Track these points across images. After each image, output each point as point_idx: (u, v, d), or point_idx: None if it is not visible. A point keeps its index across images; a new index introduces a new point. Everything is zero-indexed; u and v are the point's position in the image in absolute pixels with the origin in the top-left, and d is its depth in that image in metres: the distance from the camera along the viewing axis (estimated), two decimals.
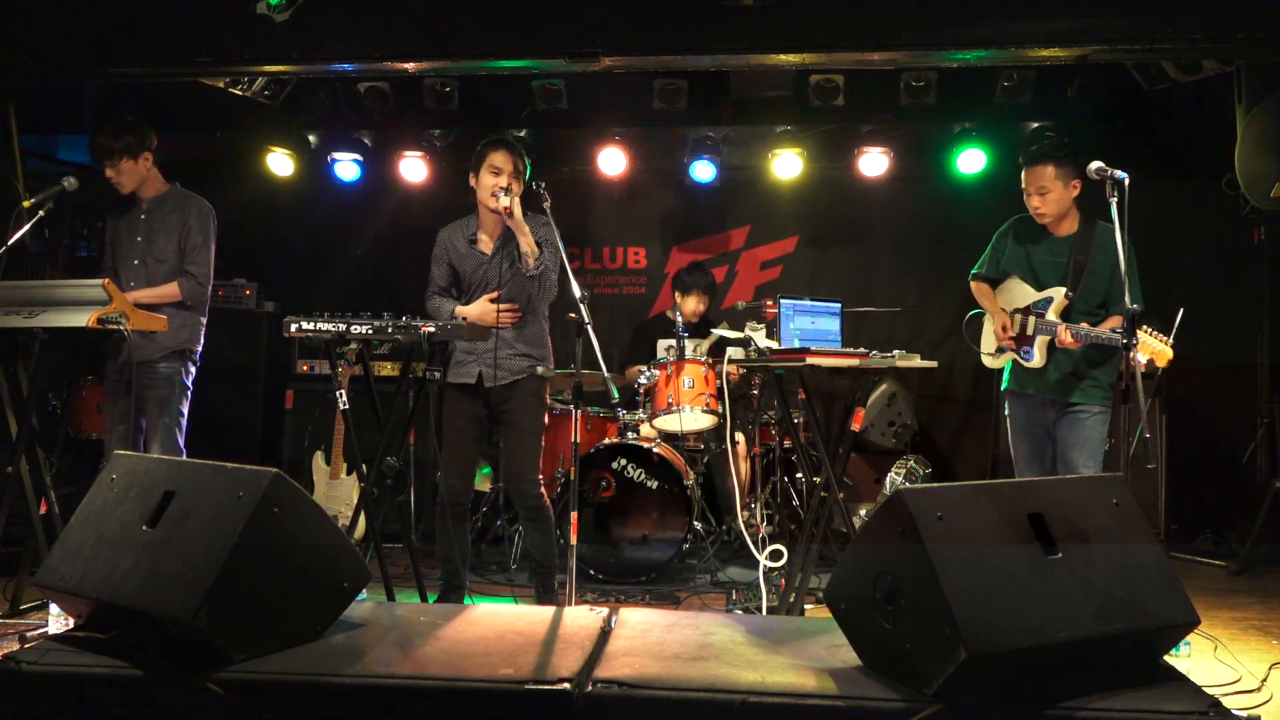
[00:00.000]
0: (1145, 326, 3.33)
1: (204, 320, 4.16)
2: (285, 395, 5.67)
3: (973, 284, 3.94)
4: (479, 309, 3.71)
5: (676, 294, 5.49)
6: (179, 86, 4.95)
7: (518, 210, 3.56)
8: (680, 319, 4.99)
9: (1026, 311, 3.70)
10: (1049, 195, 3.62)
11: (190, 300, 4.06)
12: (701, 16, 3.89)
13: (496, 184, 3.61)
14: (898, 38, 3.91)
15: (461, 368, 3.74)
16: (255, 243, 6.26)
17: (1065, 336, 3.48)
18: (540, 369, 3.74)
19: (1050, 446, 3.70)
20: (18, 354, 3.94)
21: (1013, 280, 3.81)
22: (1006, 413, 3.84)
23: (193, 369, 4.11)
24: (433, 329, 3.36)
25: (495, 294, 3.70)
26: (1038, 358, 3.64)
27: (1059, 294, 3.62)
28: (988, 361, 3.92)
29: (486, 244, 3.80)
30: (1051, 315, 3.62)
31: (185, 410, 4.06)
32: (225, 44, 4.10)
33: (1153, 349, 3.35)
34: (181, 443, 4.02)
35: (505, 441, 3.84)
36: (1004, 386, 3.83)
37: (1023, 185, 3.69)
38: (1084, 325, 3.48)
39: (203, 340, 4.16)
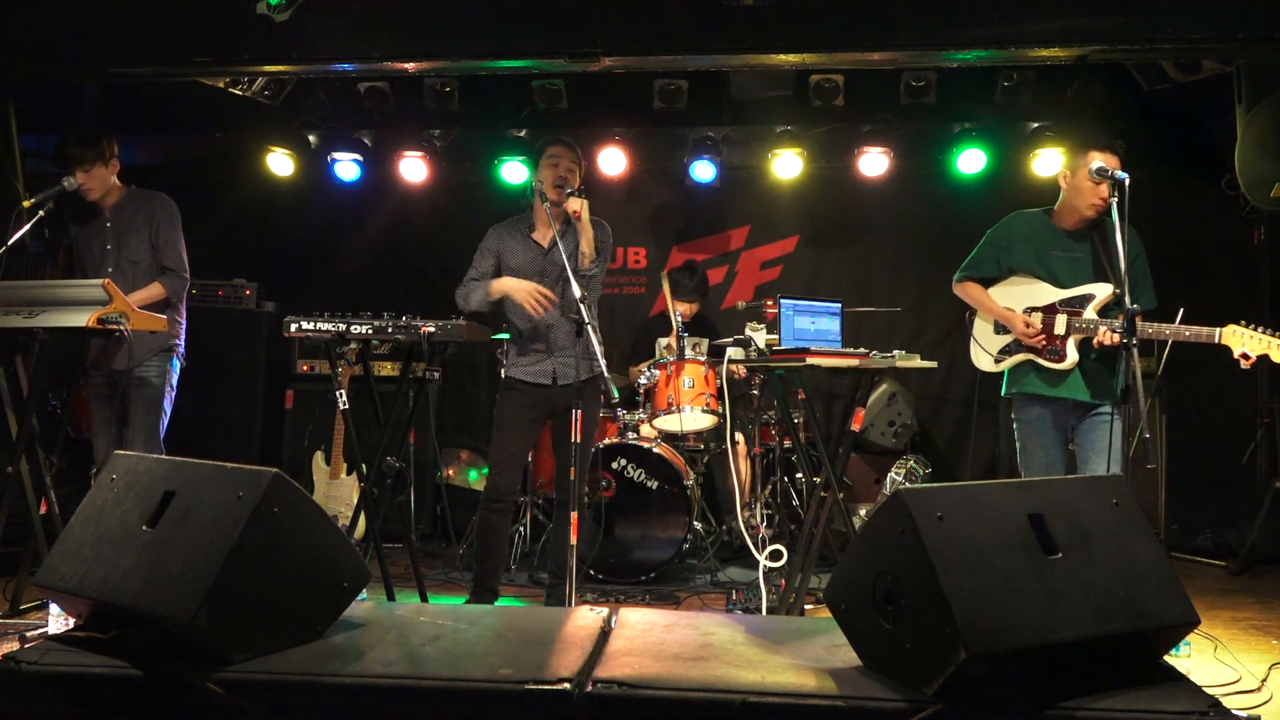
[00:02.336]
0: (1244, 321, 3.23)
1: (183, 314, 4.19)
2: (285, 395, 5.67)
3: (964, 286, 3.77)
4: (516, 284, 3.73)
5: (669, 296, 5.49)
6: (179, 86, 4.96)
7: (585, 213, 3.66)
8: (680, 319, 4.99)
9: (1052, 310, 3.54)
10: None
11: (175, 296, 4.10)
12: (701, 16, 3.89)
13: (558, 174, 3.74)
14: (898, 38, 3.91)
15: (534, 365, 3.83)
16: (255, 243, 6.28)
17: (1110, 336, 3.30)
18: (600, 367, 3.76)
19: (1066, 453, 3.58)
20: (17, 354, 3.95)
21: (1017, 279, 3.65)
22: (1019, 417, 3.64)
23: (179, 365, 4.12)
24: (433, 329, 3.36)
25: (540, 290, 3.74)
26: (1071, 357, 3.47)
27: (1103, 290, 3.46)
28: (985, 365, 3.72)
29: (543, 236, 3.90)
30: (1090, 313, 3.47)
31: (169, 409, 4.08)
32: (225, 44, 4.09)
33: (1266, 345, 3.17)
34: (161, 440, 4.04)
35: (560, 437, 3.87)
36: (1014, 390, 3.63)
37: (1096, 171, 3.39)
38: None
39: (184, 334, 4.18)
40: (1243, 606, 4.18)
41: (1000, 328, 3.68)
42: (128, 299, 3.86)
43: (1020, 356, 3.61)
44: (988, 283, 3.73)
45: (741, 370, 4.13)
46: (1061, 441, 3.57)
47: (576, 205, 3.63)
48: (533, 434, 3.94)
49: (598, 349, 3.32)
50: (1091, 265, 3.54)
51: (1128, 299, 3.10)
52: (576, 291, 3.39)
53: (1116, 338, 3.24)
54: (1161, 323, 3.32)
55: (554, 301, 3.75)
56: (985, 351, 3.72)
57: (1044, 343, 3.52)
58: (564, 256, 3.51)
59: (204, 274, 5.42)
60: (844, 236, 6.28)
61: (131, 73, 4.36)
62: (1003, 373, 3.71)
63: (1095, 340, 3.38)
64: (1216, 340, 3.24)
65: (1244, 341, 3.20)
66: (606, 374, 3.36)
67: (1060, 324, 3.49)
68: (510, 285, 3.74)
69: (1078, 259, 3.57)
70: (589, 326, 3.35)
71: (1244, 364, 3.21)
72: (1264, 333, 3.19)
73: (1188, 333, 3.28)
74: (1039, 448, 3.57)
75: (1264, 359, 3.19)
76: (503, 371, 4.04)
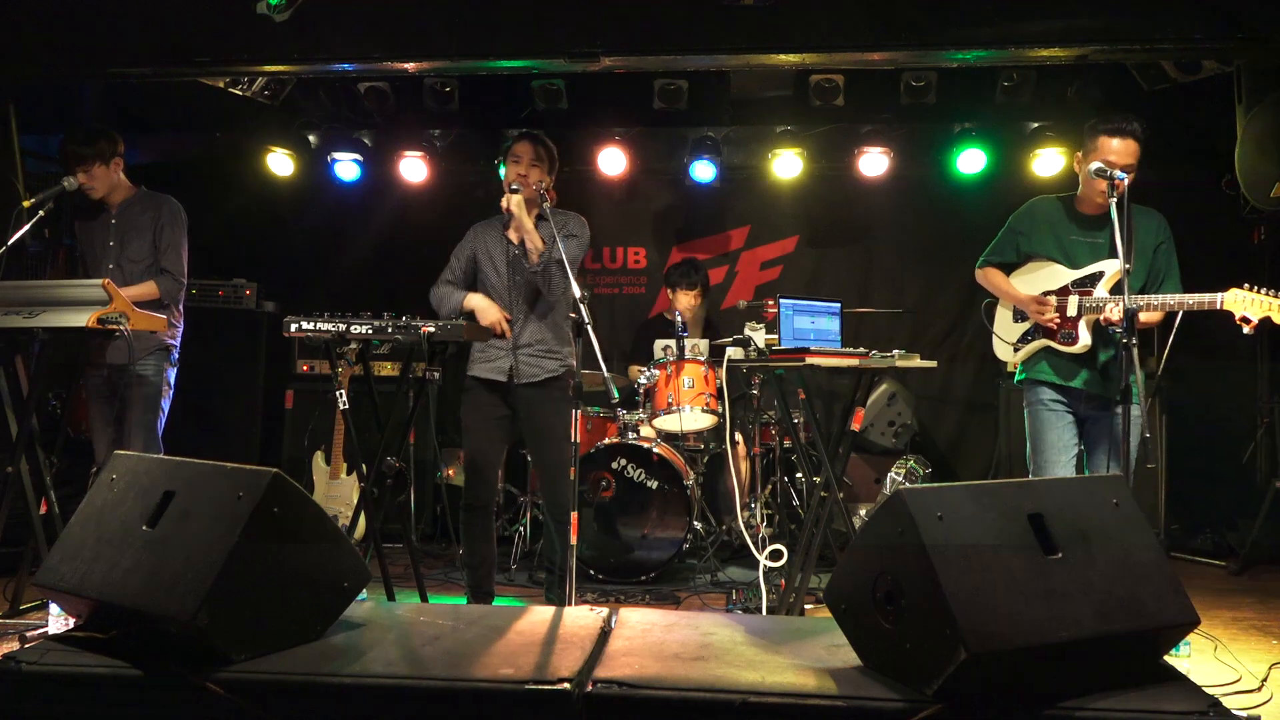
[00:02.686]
0: (1246, 284, 3.11)
1: (180, 317, 4.19)
2: (285, 395, 5.67)
3: (986, 272, 3.69)
4: (485, 304, 3.65)
5: (669, 290, 5.52)
6: (179, 86, 4.96)
7: (515, 208, 3.56)
8: (680, 319, 4.99)
9: (1064, 291, 3.44)
10: (1131, 177, 3.29)
11: (168, 298, 4.09)
12: (701, 16, 3.89)
13: (515, 172, 3.64)
14: (898, 38, 3.91)
15: (490, 363, 3.69)
16: (255, 243, 6.28)
17: (1116, 313, 3.15)
18: (569, 365, 3.74)
19: (1077, 442, 3.46)
20: (18, 354, 3.95)
21: (1036, 264, 3.56)
22: (1030, 399, 3.53)
23: (174, 366, 4.13)
24: (433, 329, 3.35)
25: (508, 318, 3.67)
26: (1084, 339, 3.36)
27: (1113, 266, 3.33)
28: (1005, 354, 3.64)
29: (515, 234, 3.76)
30: (1102, 290, 3.36)
31: (166, 408, 4.09)
32: (225, 44, 4.10)
33: (1267, 307, 3.04)
34: (159, 439, 4.04)
35: (536, 446, 3.76)
36: (1026, 376, 3.55)
37: (1105, 154, 3.33)
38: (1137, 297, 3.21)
39: (180, 337, 4.18)
40: (1243, 606, 4.17)
41: (1019, 315, 3.60)
42: (123, 293, 3.88)
43: (1036, 344, 3.51)
44: (1008, 269, 3.65)
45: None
46: (1075, 426, 3.46)
47: (505, 200, 3.57)
48: (501, 431, 3.75)
49: (596, 349, 3.29)
50: (1104, 250, 3.42)
51: (1127, 296, 3.08)
52: (576, 291, 3.37)
53: (1119, 314, 3.13)
54: (1163, 295, 3.25)
55: (514, 299, 3.68)
56: (1004, 341, 3.64)
57: (1057, 325, 3.43)
58: (558, 254, 3.46)
59: (204, 274, 5.42)
60: (844, 236, 6.28)
61: (131, 73, 4.36)
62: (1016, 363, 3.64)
63: (1102, 318, 3.30)
64: (1219, 305, 3.14)
65: (1245, 305, 3.09)
66: (607, 373, 3.36)
67: (1072, 305, 3.41)
68: (479, 305, 3.66)
69: (1098, 244, 3.45)
70: (588, 326, 3.33)
71: (1246, 328, 3.10)
72: (1265, 294, 3.08)
73: (1190, 300, 3.18)
74: (1052, 429, 3.44)
75: (1266, 323, 3.09)
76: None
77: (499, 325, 3.62)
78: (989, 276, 3.69)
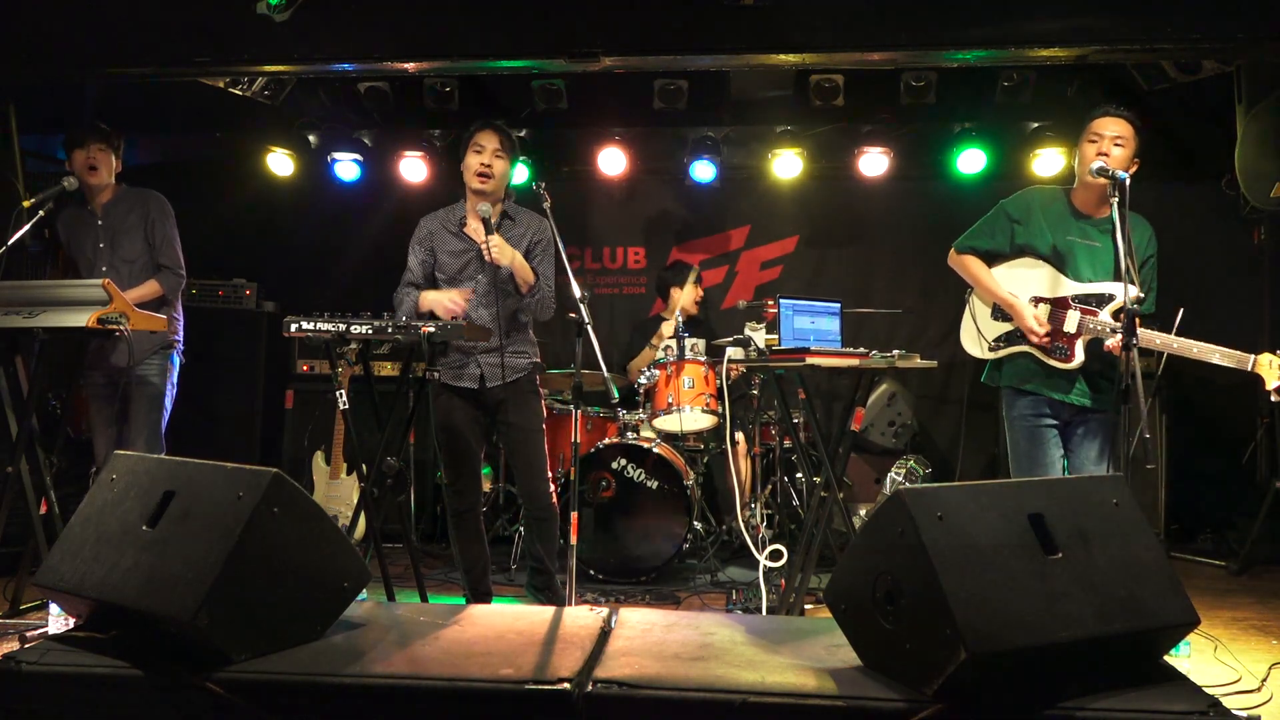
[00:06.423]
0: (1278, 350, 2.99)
1: (180, 311, 4.21)
2: (285, 395, 5.67)
3: (965, 260, 3.47)
4: (434, 297, 3.55)
5: (670, 291, 5.50)
6: (179, 86, 4.96)
7: (503, 255, 3.47)
8: (680, 318, 4.98)
9: (1064, 304, 3.27)
10: (1124, 152, 3.21)
11: (172, 294, 4.12)
12: (701, 16, 3.89)
13: (479, 162, 3.56)
14: (898, 38, 3.91)
15: (460, 369, 3.66)
16: (255, 243, 6.27)
17: (1118, 347, 2.98)
18: (535, 362, 3.75)
19: (1060, 452, 3.33)
20: (17, 354, 3.95)
21: (1026, 261, 3.36)
22: (1013, 414, 3.41)
23: (178, 362, 4.14)
24: (433, 329, 3.35)
25: (469, 293, 3.58)
26: (1079, 357, 3.22)
27: (1122, 292, 3.09)
28: (976, 351, 3.48)
29: (478, 231, 3.60)
30: (1106, 315, 3.20)
31: (169, 406, 4.09)
32: (225, 44, 4.10)
33: None
34: (162, 438, 4.05)
35: (511, 445, 3.74)
36: (1008, 383, 3.42)
37: (1093, 133, 3.26)
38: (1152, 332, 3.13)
39: (181, 330, 4.19)
40: (1243, 606, 4.17)
41: (1000, 313, 3.42)
42: (126, 296, 3.88)
43: (1019, 348, 3.36)
44: (992, 258, 3.44)
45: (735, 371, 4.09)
46: (1056, 438, 3.33)
47: (495, 252, 3.44)
48: (479, 432, 3.71)
49: (596, 349, 3.29)
50: (1111, 259, 3.27)
51: (1126, 298, 3.05)
52: (577, 291, 3.37)
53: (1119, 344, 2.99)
54: (1190, 339, 3.08)
55: (481, 300, 3.63)
56: (981, 336, 3.46)
57: (1050, 340, 3.29)
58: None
59: (204, 274, 5.42)
60: (844, 236, 6.28)
61: (131, 73, 4.36)
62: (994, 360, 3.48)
63: (1106, 346, 3.18)
64: (1249, 368, 2.99)
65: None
66: (607, 373, 3.35)
67: (1072, 321, 3.24)
68: (432, 300, 3.57)
69: (1096, 249, 3.30)
70: (588, 326, 3.33)
71: (1275, 397, 2.98)
72: None
73: (1217, 356, 3.02)
74: (1031, 444, 3.33)
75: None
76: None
77: (453, 309, 3.50)
78: (968, 265, 3.47)
